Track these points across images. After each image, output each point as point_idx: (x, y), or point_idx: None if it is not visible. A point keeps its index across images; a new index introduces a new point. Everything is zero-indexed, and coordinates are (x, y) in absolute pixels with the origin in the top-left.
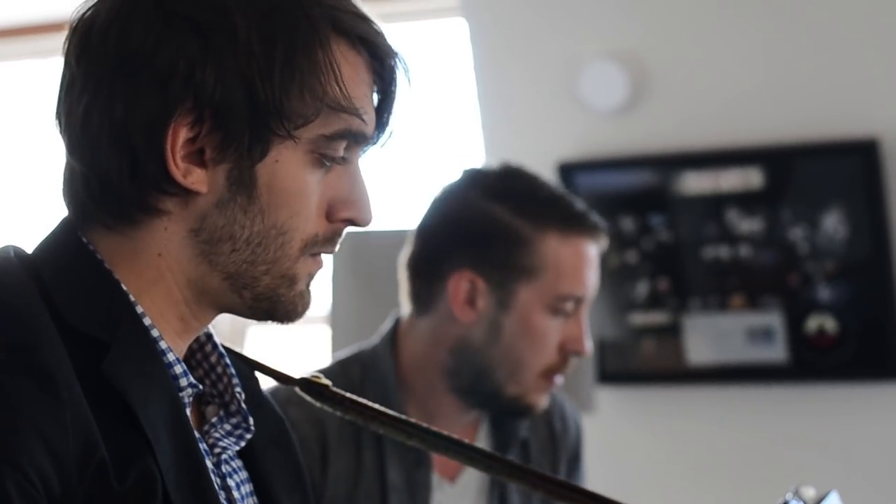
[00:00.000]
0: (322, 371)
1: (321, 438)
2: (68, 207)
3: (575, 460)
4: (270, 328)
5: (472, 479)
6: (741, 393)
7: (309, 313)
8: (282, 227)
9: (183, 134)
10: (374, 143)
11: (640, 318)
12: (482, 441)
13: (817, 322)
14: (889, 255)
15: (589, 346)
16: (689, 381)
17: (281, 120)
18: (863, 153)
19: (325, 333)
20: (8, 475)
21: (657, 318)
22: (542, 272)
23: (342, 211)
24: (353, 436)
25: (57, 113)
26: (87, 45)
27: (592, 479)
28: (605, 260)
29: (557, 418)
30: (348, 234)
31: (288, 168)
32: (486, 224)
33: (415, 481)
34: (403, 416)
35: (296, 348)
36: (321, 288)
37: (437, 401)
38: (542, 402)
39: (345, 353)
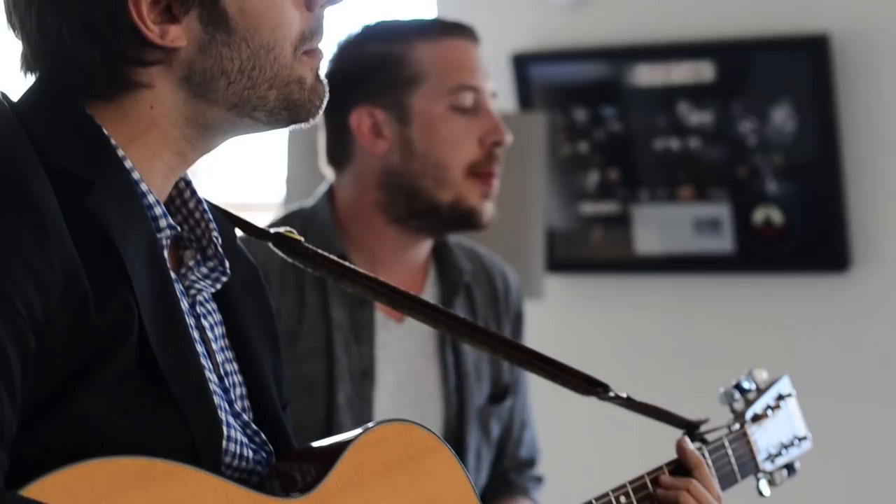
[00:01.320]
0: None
1: None
2: None
3: (518, 321)
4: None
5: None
6: (688, 282)
7: (263, 201)
8: (269, 43)
9: (144, 0)
10: None
11: (590, 208)
12: (430, 287)
13: (764, 213)
14: (836, 149)
15: (508, 136)
16: (637, 269)
17: None
18: (813, 48)
19: None
20: None
21: (607, 207)
22: (426, 75)
23: None
24: (296, 278)
25: (10, 24)
26: None
27: None
28: (556, 150)
29: (499, 279)
30: None
31: None
32: (363, 61)
33: (358, 320)
34: (372, 275)
35: None
36: (276, 174)
37: (380, 242)
38: (485, 208)
39: (284, 210)
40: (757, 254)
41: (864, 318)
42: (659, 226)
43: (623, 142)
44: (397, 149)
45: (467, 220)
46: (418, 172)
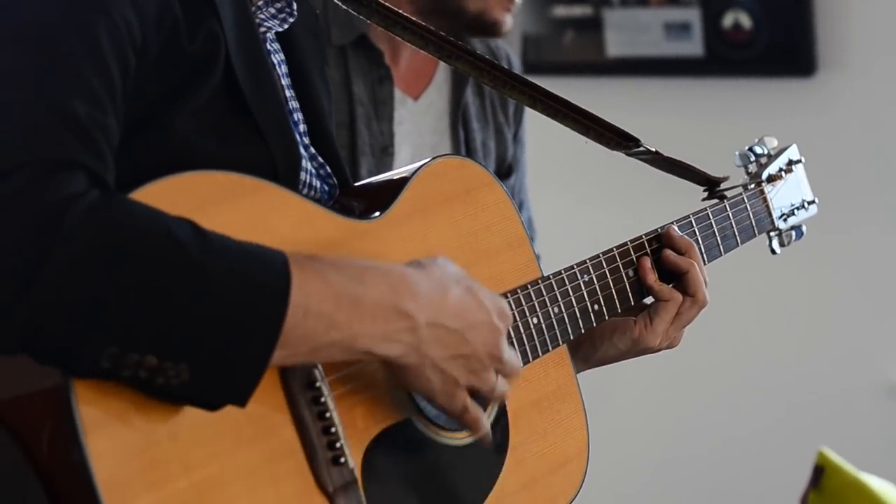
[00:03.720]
0: None
1: None
2: None
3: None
4: None
5: (435, 99)
6: (657, 84)
7: None
8: None
9: None
10: None
11: (561, 11)
12: (442, 70)
13: (733, 17)
14: None
15: None
16: (607, 72)
17: None
18: None
19: None
20: (100, 21)
21: (578, 10)
22: None
23: None
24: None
25: None
26: None
27: None
28: None
29: (504, 60)
30: None
31: None
32: None
33: (378, 96)
34: (422, 23)
35: None
36: None
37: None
38: (506, 20)
39: None
40: (725, 57)
41: (829, 123)
42: (629, 29)
43: None
44: None
45: (489, 29)
46: None
